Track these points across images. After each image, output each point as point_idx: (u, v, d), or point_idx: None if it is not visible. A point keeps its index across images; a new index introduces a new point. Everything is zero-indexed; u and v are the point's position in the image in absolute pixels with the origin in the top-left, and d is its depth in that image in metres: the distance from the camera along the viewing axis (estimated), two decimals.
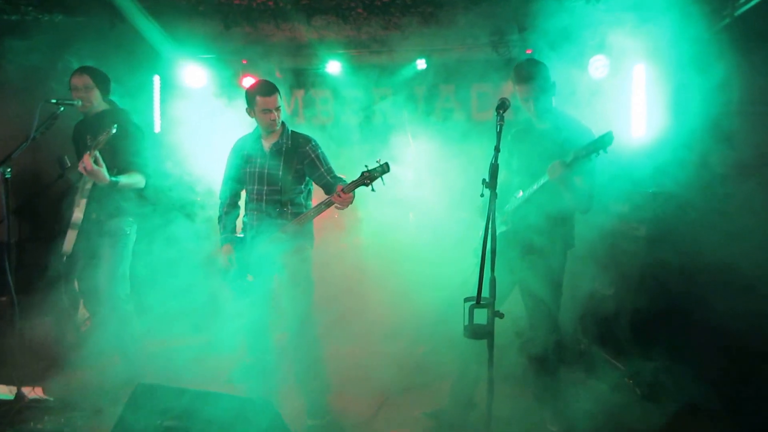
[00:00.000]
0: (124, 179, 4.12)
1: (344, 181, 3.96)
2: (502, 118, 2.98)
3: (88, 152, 3.91)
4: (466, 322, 2.60)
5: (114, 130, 3.93)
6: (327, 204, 3.86)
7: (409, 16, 5.37)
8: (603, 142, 3.13)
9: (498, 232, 3.49)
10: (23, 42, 5.60)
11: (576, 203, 3.53)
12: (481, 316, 2.58)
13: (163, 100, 6.74)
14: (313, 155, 4.07)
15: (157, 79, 6.76)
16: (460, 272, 4.08)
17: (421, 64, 6.35)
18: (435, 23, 5.48)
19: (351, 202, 3.78)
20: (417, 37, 5.82)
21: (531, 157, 3.66)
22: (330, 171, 4.10)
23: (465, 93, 6.61)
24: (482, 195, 2.86)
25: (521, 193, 3.66)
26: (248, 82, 6.58)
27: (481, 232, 3.76)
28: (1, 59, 5.69)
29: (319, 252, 4.26)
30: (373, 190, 3.77)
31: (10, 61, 5.72)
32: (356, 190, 3.81)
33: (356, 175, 3.78)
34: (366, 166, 3.76)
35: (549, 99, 3.60)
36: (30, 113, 3.93)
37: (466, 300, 2.59)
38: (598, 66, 5.78)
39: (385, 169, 3.74)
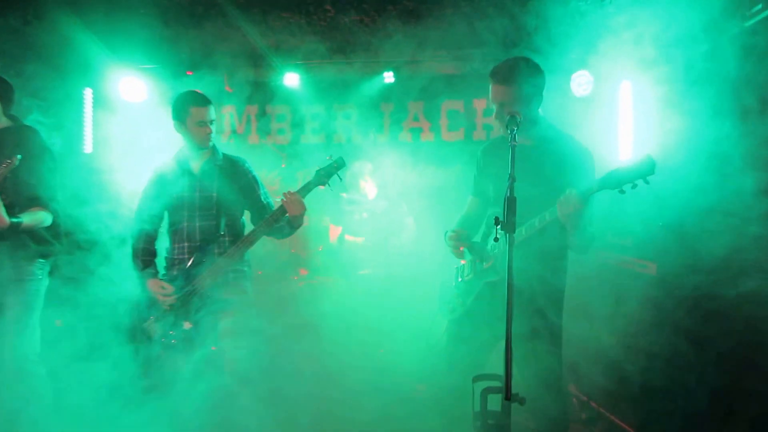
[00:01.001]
0: (27, 219, 3.40)
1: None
2: (514, 137, 2.39)
3: None
4: (477, 408, 1.98)
5: (17, 162, 3.26)
6: (281, 211, 3.43)
7: (385, 16, 4.76)
8: (643, 170, 2.46)
9: (483, 281, 3.00)
10: None
11: (580, 243, 2.89)
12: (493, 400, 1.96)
13: (95, 116, 5.96)
14: (248, 177, 3.71)
15: (88, 92, 5.98)
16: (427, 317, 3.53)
17: (388, 77, 5.77)
18: (415, 21, 4.87)
19: (303, 208, 3.43)
20: (391, 45, 5.22)
21: (507, 181, 2.96)
22: (267, 195, 3.75)
23: (435, 110, 6.06)
24: (497, 239, 2.24)
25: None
26: None
27: (457, 281, 3.20)
28: None
29: (268, 294, 3.66)
30: (330, 187, 3.52)
31: None
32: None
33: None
34: (319, 165, 3.52)
35: (535, 107, 2.93)
36: None
37: (476, 380, 1.97)
38: (581, 82, 5.33)
39: (339, 163, 3.50)
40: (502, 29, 5.02)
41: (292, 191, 3.43)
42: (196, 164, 3.61)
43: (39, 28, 5.35)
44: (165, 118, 5.71)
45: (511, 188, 2.22)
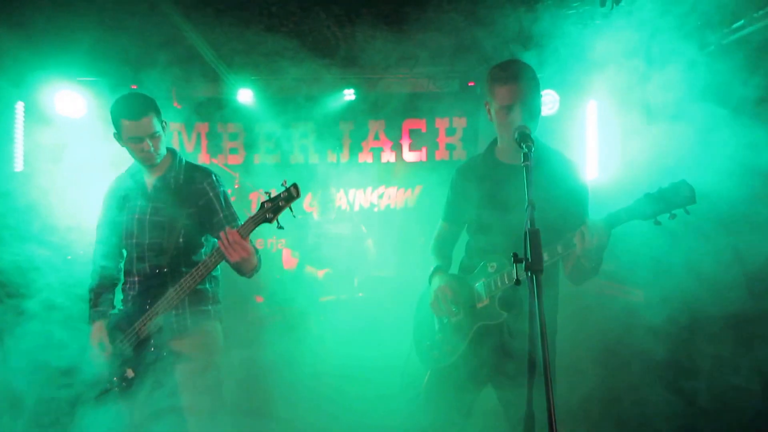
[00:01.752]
0: None
1: None
2: (529, 157, 2.07)
3: None
4: None
5: None
6: (218, 255, 2.77)
7: (361, 20, 4.50)
8: (683, 197, 2.14)
9: (477, 324, 2.61)
10: None
11: (588, 276, 2.54)
12: None
13: (27, 133, 5.48)
14: (211, 193, 3.03)
15: (20, 106, 5.50)
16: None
17: (348, 94, 5.53)
18: (397, 27, 4.62)
19: (246, 252, 2.67)
20: (352, 62, 4.98)
21: (501, 206, 2.60)
22: (232, 218, 3.06)
23: (396, 129, 5.85)
24: (518, 282, 1.87)
25: (494, 267, 2.64)
26: None
27: (442, 322, 2.79)
28: None
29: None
30: (279, 227, 2.68)
31: None
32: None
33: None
34: (267, 194, 2.69)
35: (537, 122, 2.57)
36: None
37: None
38: (546, 101, 5.23)
39: (292, 194, 2.64)
40: (467, 48, 4.87)
41: (231, 229, 2.69)
42: (149, 180, 3.04)
43: None
44: (106, 134, 5.43)
45: (532, 219, 1.90)
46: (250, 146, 5.83)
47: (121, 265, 3.13)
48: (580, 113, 5.25)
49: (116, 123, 2.86)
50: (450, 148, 5.89)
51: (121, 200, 3.05)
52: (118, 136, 2.91)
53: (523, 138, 2.14)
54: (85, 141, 5.45)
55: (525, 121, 2.40)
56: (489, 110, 2.57)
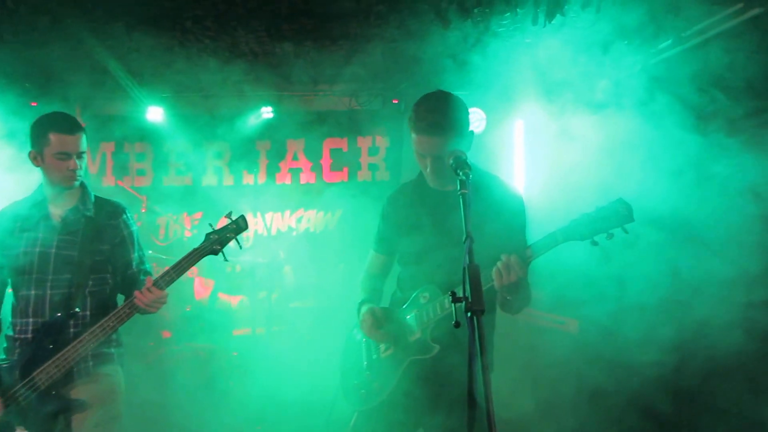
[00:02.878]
0: None
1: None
2: (466, 185, 1.92)
3: None
4: None
5: None
6: (130, 307, 2.63)
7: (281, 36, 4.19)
8: (621, 216, 2.07)
9: (409, 358, 2.43)
10: None
11: (519, 306, 2.43)
12: None
13: None
14: (125, 232, 2.89)
15: None
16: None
17: (266, 112, 5.25)
18: (320, 43, 4.36)
19: (163, 302, 2.66)
20: (271, 77, 4.70)
21: (434, 236, 2.48)
22: (142, 260, 2.95)
23: (317, 149, 5.60)
24: (458, 324, 1.68)
25: (426, 297, 2.48)
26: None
27: (371, 358, 2.61)
28: None
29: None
30: (225, 259, 2.72)
31: None
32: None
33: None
34: (210, 225, 2.71)
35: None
36: None
37: None
38: (473, 119, 5.10)
39: (240, 226, 2.71)
40: (393, 64, 4.70)
41: (153, 288, 2.59)
42: (57, 210, 2.77)
43: None
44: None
45: (471, 252, 1.73)
46: (158, 167, 5.46)
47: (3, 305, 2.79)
48: (507, 131, 5.17)
49: (43, 136, 2.65)
50: (373, 168, 5.70)
51: (17, 228, 2.72)
52: (39, 152, 2.68)
53: (459, 164, 1.99)
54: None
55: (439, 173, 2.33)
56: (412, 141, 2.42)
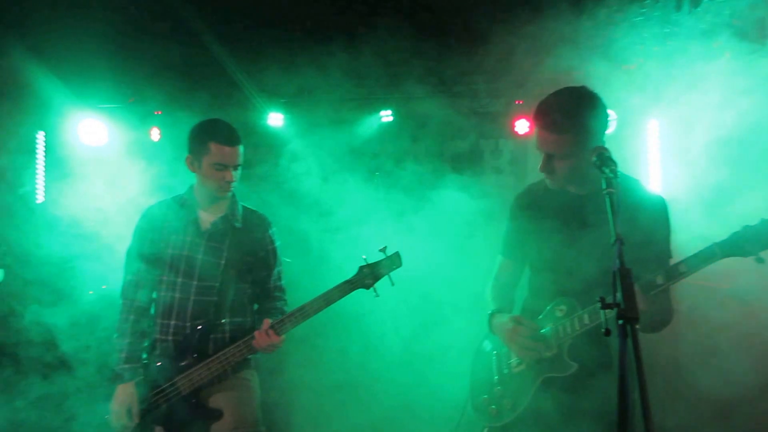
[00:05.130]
0: None
1: (280, 302, 2.95)
2: (612, 183, 1.81)
3: None
4: None
5: None
6: (246, 349, 2.71)
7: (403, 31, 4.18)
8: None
9: (543, 376, 2.32)
10: None
11: (656, 327, 2.28)
12: None
13: (49, 162, 5.35)
14: (269, 247, 2.95)
15: (41, 136, 5.38)
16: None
17: (386, 115, 5.25)
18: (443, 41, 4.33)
19: (279, 347, 2.70)
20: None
21: (570, 241, 2.33)
22: (280, 275, 3.01)
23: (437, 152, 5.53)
24: (608, 332, 1.56)
25: (563, 310, 2.34)
26: (157, 135, 5.36)
27: (502, 373, 2.52)
28: None
29: None
30: (377, 295, 2.71)
31: None
32: None
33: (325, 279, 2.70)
34: (364, 258, 2.70)
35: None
36: None
37: None
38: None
39: (395, 261, 2.71)
40: (516, 64, 4.57)
41: (271, 332, 2.64)
42: (207, 217, 2.84)
43: None
44: (129, 162, 5.29)
45: (621, 255, 1.61)
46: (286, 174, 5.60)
47: (151, 304, 2.89)
48: (639, 132, 4.90)
49: (202, 144, 2.72)
50: (496, 171, 5.57)
51: (164, 229, 2.82)
52: (197, 158, 2.75)
53: (604, 161, 1.89)
54: (107, 169, 5.33)
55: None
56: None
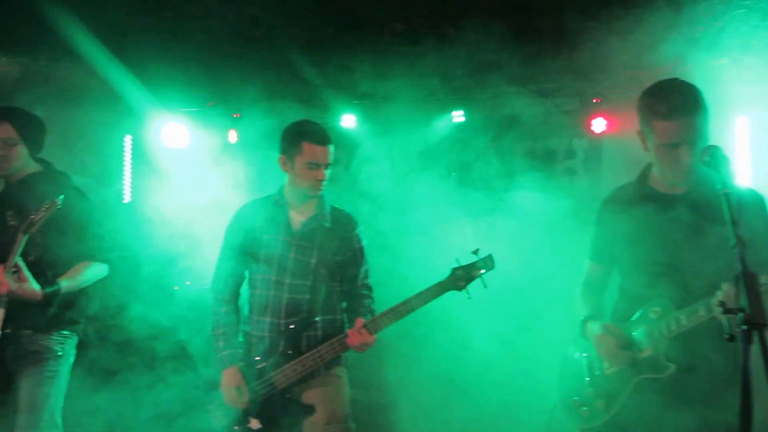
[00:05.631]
0: (66, 283, 2.92)
1: (368, 301, 2.99)
2: (728, 183, 1.77)
3: (3, 268, 2.71)
4: None
5: (59, 202, 2.76)
6: (339, 347, 2.79)
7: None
8: None
9: (638, 377, 2.28)
10: None
11: None
12: None
13: (135, 164, 5.63)
14: (357, 246, 3.02)
15: (128, 139, 5.66)
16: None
17: (457, 116, 5.23)
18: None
19: (371, 346, 2.75)
20: None
21: (663, 244, 2.30)
22: (367, 274, 3.06)
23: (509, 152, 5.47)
24: (732, 338, 1.49)
25: (657, 312, 2.30)
26: (234, 137, 5.53)
27: (594, 374, 2.47)
28: None
29: None
30: (469, 296, 2.74)
31: None
32: None
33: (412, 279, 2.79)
34: (457, 260, 2.75)
35: None
36: None
37: None
38: None
39: (488, 264, 2.74)
40: (596, 62, 4.47)
41: (363, 331, 2.70)
42: (298, 217, 2.93)
43: (78, 71, 5.08)
44: (209, 164, 5.49)
45: (743, 259, 1.57)
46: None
47: (238, 296, 3.03)
48: (726, 129, 4.69)
49: (295, 144, 2.83)
50: (569, 172, 5.45)
51: (257, 228, 2.94)
52: (290, 158, 2.86)
53: (717, 158, 1.85)
54: (189, 170, 5.55)
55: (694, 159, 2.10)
56: (643, 140, 2.29)
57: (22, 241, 2.73)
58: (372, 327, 2.72)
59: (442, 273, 2.79)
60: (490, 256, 2.74)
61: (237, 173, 5.26)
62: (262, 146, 5.43)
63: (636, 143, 2.37)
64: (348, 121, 5.49)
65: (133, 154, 5.72)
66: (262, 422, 2.79)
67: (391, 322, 2.73)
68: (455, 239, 4.59)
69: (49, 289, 2.82)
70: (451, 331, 4.19)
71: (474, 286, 2.76)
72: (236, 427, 2.81)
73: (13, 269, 2.76)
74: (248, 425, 2.78)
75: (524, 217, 4.20)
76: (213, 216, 5.01)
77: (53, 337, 3.02)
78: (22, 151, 3.06)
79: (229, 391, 2.79)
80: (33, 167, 3.14)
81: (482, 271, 2.72)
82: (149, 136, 5.63)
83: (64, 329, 3.06)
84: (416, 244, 4.21)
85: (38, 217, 2.70)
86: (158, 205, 5.38)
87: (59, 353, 3.03)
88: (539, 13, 3.99)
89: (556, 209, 4.63)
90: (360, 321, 2.73)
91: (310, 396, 2.81)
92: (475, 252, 2.71)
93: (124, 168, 5.68)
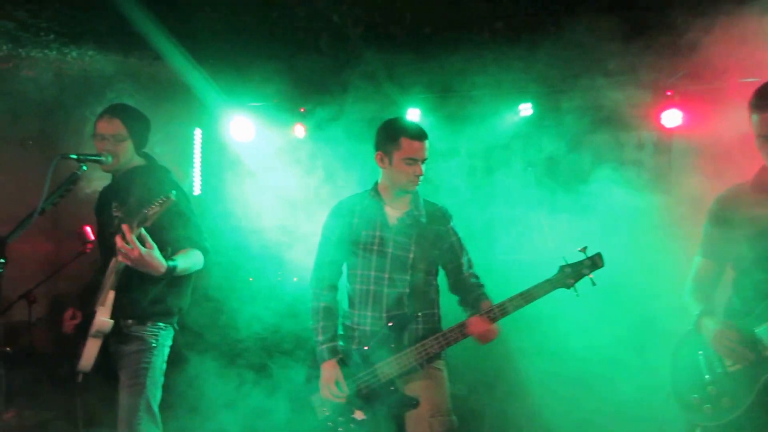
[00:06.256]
0: (182, 262, 3.01)
1: (483, 288, 3.03)
2: None
3: (130, 229, 2.75)
4: None
5: (173, 197, 2.82)
6: (459, 332, 2.82)
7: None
8: None
9: (765, 376, 2.28)
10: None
11: None
12: None
13: (205, 158, 5.77)
14: (453, 238, 3.07)
15: (198, 132, 5.80)
16: None
17: (525, 109, 5.23)
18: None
19: (495, 336, 2.80)
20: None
21: None
22: (471, 263, 3.10)
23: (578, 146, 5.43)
24: None
25: None
26: (301, 132, 5.60)
27: (715, 372, 2.47)
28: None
29: None
30: (576, 294, 2.75)
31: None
32: None
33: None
34: (564, 259, 2.76)
35: None
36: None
37: None
38: None
39: (597, 262, 2.74)
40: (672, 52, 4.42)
41: (484, 318, 2.75)
42: (393, 213, 3.01)
43: (160, 68, 5.24)
44: (274, 158, 5.60)
45: None
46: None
47: (336, 291, 3.12)
48: None
49: (394, 141, 2.92)
50: (638, 165, 5.40)
51: (352, 225, 3.02)
52: (387, 154, 2.94)
53: None
54: (255, 164, 5.66)
55: None
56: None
57: (142, 225, 2.76)
58: (497, 312, 2.74)
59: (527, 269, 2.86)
60: (598, 254, 2.74)
61: (305, 167, 5.39)
62: (330, 141, 5.54)
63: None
64: (413, 115, 5.51)
65: (202, 147, 5.86)
66: (366, 414, 2.86)
67: (500, 317, 2.75)
68: (535, 235, 4.63)
69: (170, 263, 2.88)
70: (548, 329, 4.19)
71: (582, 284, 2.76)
72: (340, 418, 2.88)
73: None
74: (353, 416, 2.86)
75: (603, 212, 4.20)
76: (279, 211, 5.14)
77: (149, 328, 3.13)
78: (129, 146, 3.19)
79: (328, 385, 2.87)
80: (137, 161, 3.28)
81: (591, 269, 2.72)
82: (218, 129, 5.76)
83: (160, 321, 3.16)
84: (496, 238, 4.22)
85: (152, 211, 2.76)
86: (226, 198, 5.54)
87: (153, 345, 3.13)
88: (621, 6, 3.96)
89: (627, 203, 4.61)
90: (487, 303, 2.78)
91: (413, 389, 2.87)
92: (583, 249, 2.72)
93: (194, 161, 5.82)
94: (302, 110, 5.81)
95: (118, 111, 3.18)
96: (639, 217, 4.46)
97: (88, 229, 4.40)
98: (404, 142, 2.87)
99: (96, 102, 4.28)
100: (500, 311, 2.75)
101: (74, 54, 4.58)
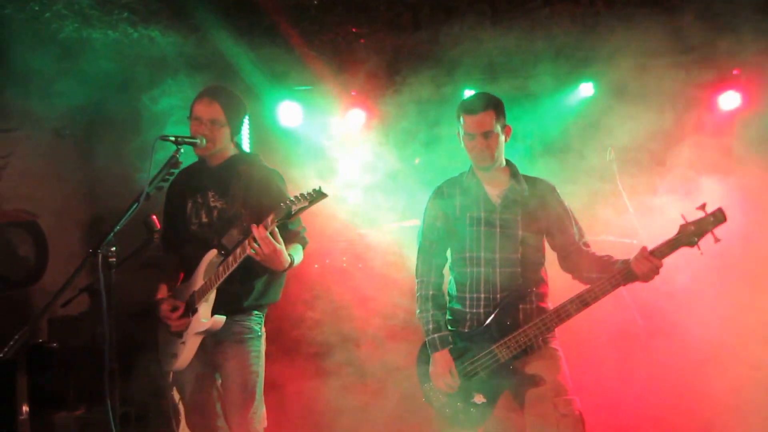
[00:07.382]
0: (297, 257, 3.00)
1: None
2: None
3: (265, 224, 2.70)
4: None
5: (326, 193, 2.68)
6: (622, 275, 2.68)
7: None
8: None
9: None
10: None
11: None
12: None
13: (253, 143, 5.70)
14: (559, 209, 2.99)
15: (246, 119, 5.70)
16: None
17: (586, 89, 5.13)
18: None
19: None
20: None
21: None
22: (582, 233, 3.01)
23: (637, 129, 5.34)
24: None
25: None
26: (358, 116, 5.53)
27: None
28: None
29: None
30: (701, 252, 2.62)
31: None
32: None
33: None
34: (683, 216, 2.64)
35: None
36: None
37: None
38: None
39: (718, 218, 2.59)
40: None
41: (655, 255, 2.62)
42: (494, 191, 2.95)
43: (202, 52, 5.17)
44: (324, 142, 5.53)
45: None
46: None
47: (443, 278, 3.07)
48: None
49: (458, 118, 2.93)
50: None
51: (455, 208, 2.96)
52: (458, 133, 2.96)
53: None
54: (300, 149, 5.58)
55: None
56: None
57: (278, 221, 2.71)
58: (659, 251, 2.63)
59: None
60: (720, 210, 2.60)
61: (360, 153, 5.33)
62: (384, 125, 5.47)
63: None
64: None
65: (251, 132, 5.77)
66: (486, 397, 2.81)
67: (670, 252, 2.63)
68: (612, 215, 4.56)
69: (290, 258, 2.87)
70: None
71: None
72: (459, 404, 2.83)
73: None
74: (473, 400, 2.81)
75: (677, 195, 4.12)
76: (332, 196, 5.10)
77: (253, 317, 3.11)
78: (226, 132, 3.11)
79: (443, 375, 2.82)
80: (232, 150, 3.21)
81: (714, 225, 2.59)
82: (266, 114, 5.69)
83: (257, 310, 3.14)
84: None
85: (299, 206, 2.65)
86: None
87: (259, 333, 3.13)
88: None
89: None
90: (645, 248, 2.64)
91: (535, 368, 2.81)
92: (702, 206, 2.59)
93: (244, 147, 5.74)
94: (353, 93, 5.72)
95: (218, 94, 3.10)
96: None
97: (155, 217, 4.33)
98: (463, 117, 2.87)
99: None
100: (661, 252, 2.63)
101: (135, 35, 4.47)
